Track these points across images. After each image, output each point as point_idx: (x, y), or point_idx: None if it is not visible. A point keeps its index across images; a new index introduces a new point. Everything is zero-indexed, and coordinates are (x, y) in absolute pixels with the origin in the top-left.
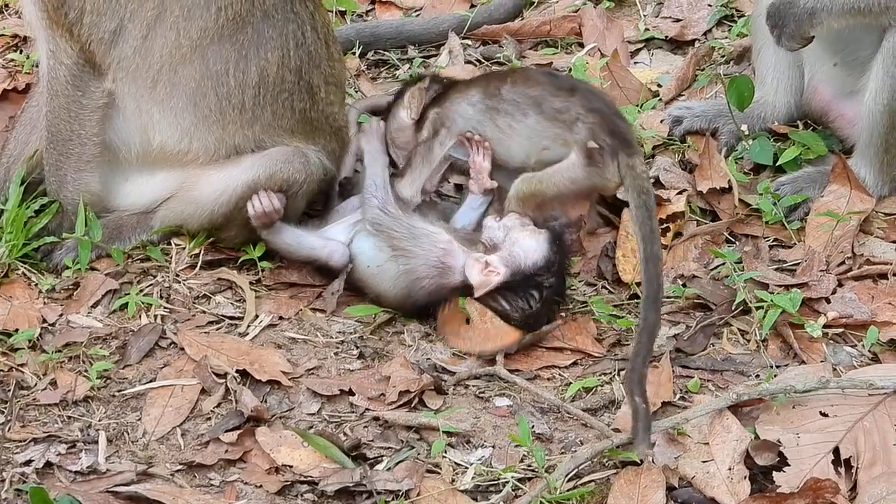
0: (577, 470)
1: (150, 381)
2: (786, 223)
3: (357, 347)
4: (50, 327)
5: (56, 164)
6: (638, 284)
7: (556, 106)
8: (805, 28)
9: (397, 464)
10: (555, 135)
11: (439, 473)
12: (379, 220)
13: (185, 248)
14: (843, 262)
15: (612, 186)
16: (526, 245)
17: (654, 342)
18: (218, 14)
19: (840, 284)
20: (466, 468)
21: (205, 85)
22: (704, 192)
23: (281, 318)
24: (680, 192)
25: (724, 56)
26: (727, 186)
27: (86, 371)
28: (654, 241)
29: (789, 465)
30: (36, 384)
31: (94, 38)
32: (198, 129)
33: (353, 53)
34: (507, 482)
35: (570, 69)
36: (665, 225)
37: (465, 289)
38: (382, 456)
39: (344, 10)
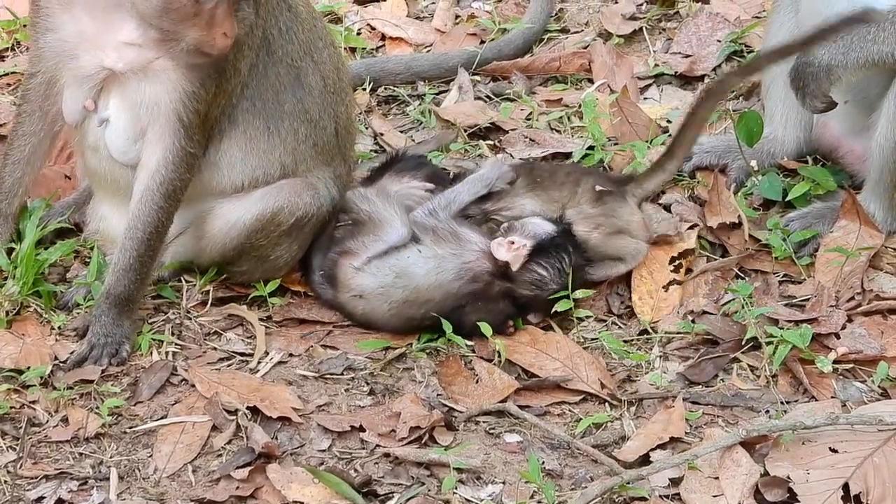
0: None
1: (162, 418)
2: (795, 259)
3: (367, 384)
4: (61, 364)
5: (149, 259)
6: (653, 329)
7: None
8: (824, 85)
9: (408, 500)
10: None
11: None
12: (424, 221)
13: (195, 285)
14: (852, 298)
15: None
16: (535, 220)
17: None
18: (300, 26)
19: (850, 320)
20: None
21: (295, 105)
22: (714, 227)
23: (291, 354)
24: (692, 227)
25: (733, 92)
26: (737, 222)
27: (97, 408)
28: None
29: (799, 502)
30: (47, 421)
31: (223, 115)
32: (267, 156)
33: (364, 89)
34: None
35: (580, 105)
36: (677, 262)
37: (503, 273)
38: (393, 492)
39: (354, 47)
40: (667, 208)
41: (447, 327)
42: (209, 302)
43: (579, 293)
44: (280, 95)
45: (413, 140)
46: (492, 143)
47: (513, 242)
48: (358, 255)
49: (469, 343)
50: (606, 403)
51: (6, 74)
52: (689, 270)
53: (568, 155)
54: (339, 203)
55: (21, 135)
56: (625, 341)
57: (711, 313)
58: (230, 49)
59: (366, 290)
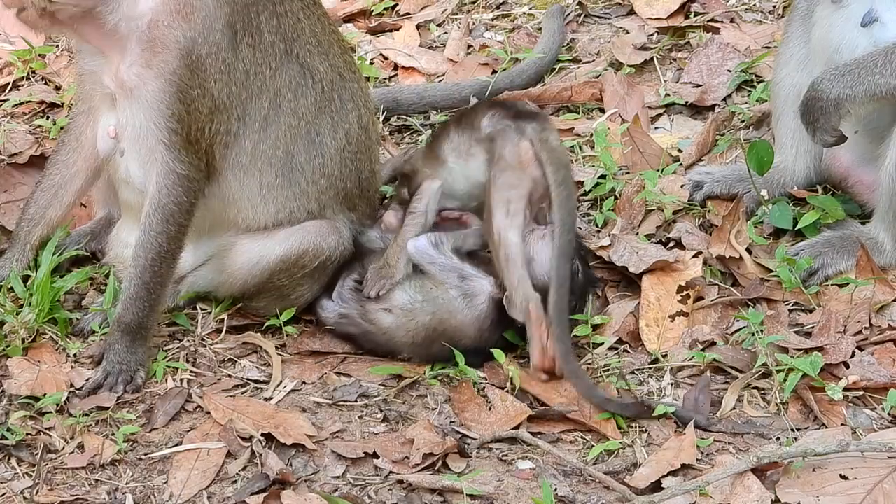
0: None
1: (177, 445)
2: (804, 288)
3: (381, 411)
4: (77, 391)
5: (156, 286)
6: (664, 357)
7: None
8: (833, 119)
9: None
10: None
11: None
12: (427, 251)
13: (210, 313)
14: (862, 326)
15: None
16: (543, 256)
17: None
18: (312, 88)
19: (860, 348)
20: None
21: (311, 159)
22: (716, 257)
23: (305, 382)
24: (696, 255)
25: (743, 121)
26: (737, 256)
27: (113, 434)
28: (571, 225)
29: None
30: (63, 448)
31: (219, 145)
32: (290, 202)
33: (377, 119)
34: None
35: (592, 134)
36: (685, 292)
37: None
38: None
39: (367, 76)
40: (678, 241)
41: (460, 360)
42: (224, 330)
43: (598, 319)
44: (291, 148)
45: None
46: None
47: None
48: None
49: (482, 374)
50: (619, 430)
51: (22, 103)
52: (699, 298)
53: (580, 184)
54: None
55: (54, 162)
56: (636, 370)
57: (721, 342)
58: (181, 65)
59: (396, 305)
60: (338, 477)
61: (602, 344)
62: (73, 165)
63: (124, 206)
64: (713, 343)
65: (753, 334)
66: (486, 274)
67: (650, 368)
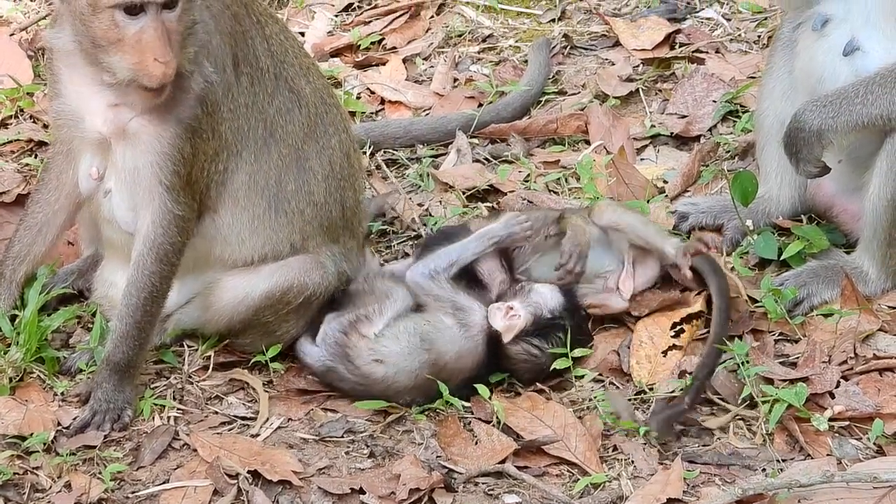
0: None
1: (164, 483)
2: (789, 319)
3: (367, 446)
4: (64, 430)
5: (146, 325)
6: (650, 389)
7: None
8: (816, 150)
9: None
10: None
11: None
12: (424, 284)
13: (197, 350)
14: (847, 356)
15: None
16: (542, 291)
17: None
18: (300, 112)
19: (845, 378)
20: None
21: (299, 187)
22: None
23: (291, 419)
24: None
25: (728, 152)
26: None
27: (100, 473)
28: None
29: None
30: (51, 487)
31: (215, 183)
32: (275, 234)
33: (364, 153)
34: None
35: (577, 167)
36: (680, 327)
37: (495, 340)
38: None
39: (353, 111)
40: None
41: (443, 389)
42: (211, 367)
43: (577, 352)
44: (283, 176)
45: (412, 200)
46: (490, 205)
47: (511, 308)
48: (372, 322)
49: (467, 405)
50: (604, 464)
51: (10, 142)
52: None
53: None
54: (347, 275)
55: (35, 202)
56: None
57: None
58: (201, 110)
59: (388, 355)
60: None
61: (583, 376)
62: (54, 203)
63: (107, 244)
64: None
65: (739, 365)
66: (481, 304)
67: (635, 400)
